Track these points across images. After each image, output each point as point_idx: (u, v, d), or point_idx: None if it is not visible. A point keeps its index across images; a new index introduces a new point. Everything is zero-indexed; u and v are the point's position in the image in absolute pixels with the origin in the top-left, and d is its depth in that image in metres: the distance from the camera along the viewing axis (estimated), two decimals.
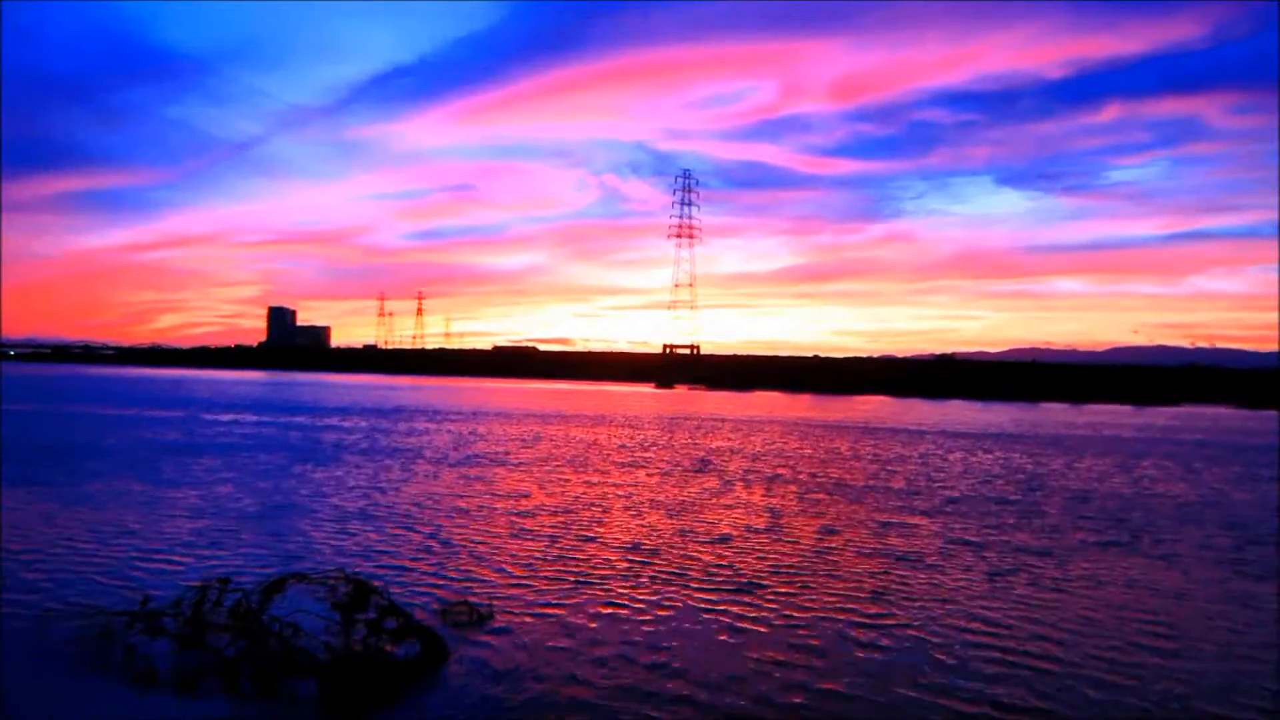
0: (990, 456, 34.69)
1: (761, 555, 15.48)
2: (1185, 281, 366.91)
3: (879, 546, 16.40)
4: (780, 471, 27.97)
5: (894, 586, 13.38)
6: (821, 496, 22.68)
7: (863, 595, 12.82)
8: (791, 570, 14.34)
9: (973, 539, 17.29)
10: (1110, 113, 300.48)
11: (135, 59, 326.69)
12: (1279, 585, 14.19)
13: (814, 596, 12.73)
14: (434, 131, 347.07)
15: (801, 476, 26.76)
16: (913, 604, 12.41)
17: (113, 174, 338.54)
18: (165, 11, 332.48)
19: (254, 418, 46.86)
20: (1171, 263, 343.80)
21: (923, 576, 14.04)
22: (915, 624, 11.41)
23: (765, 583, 13.49)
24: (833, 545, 16.47)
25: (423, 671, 9.27)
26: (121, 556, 14.22)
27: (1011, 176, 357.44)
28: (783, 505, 21.20)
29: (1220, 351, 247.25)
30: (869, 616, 11.74)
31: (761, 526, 18.30)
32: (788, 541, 16.73)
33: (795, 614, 11.81)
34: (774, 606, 12.17)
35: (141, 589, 11.55)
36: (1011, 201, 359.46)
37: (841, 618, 11.65)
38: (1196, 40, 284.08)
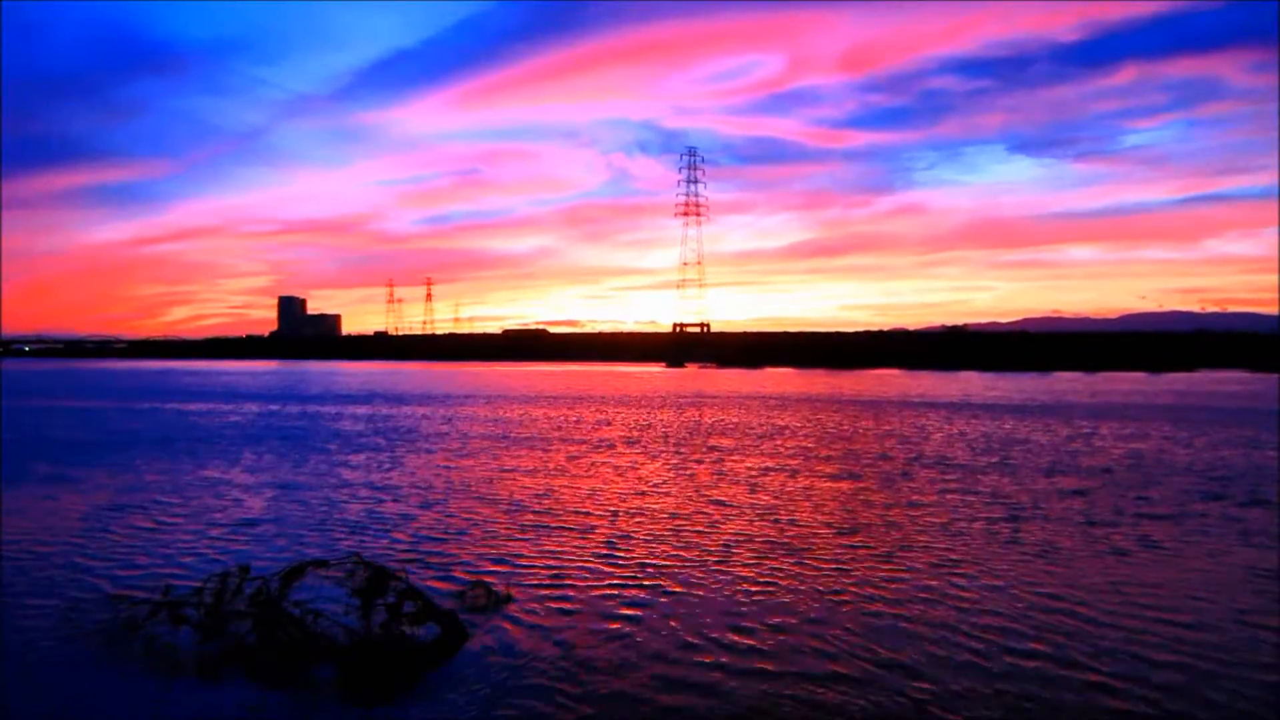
0: (959, 427, 34.58)
1: (788, 534, 15.53)
2: (1199, 245, 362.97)
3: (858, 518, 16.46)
4: (823, 451, 28.00)
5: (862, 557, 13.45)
6: (858, 473, 22.72)
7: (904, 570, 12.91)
8: (800, 546, 14.41)
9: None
10: (1126, 74, 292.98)
11: (139, 53, 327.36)
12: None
13: (813, 570, 12.80)
14: (439, 116, 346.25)
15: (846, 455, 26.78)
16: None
17: (119, 168, 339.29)
18: (167, 4, 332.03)
19: (275, 407, 47.13)
20: (1185, 227, 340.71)
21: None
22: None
23: (778, 561, 13.54)
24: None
25: (442, 654, 9.33)
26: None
27: (1024, 144, 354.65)
28: (822, 488, 21.23)
29: (1231, 316, 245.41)
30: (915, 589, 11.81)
31: (793, 507, 18.33)
32: (818, 515, 16.78)
33: (805, 594, 11.86)
34: (793, 585, 12.22)
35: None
36: (1024, 169, 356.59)
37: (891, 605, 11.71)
38: None
